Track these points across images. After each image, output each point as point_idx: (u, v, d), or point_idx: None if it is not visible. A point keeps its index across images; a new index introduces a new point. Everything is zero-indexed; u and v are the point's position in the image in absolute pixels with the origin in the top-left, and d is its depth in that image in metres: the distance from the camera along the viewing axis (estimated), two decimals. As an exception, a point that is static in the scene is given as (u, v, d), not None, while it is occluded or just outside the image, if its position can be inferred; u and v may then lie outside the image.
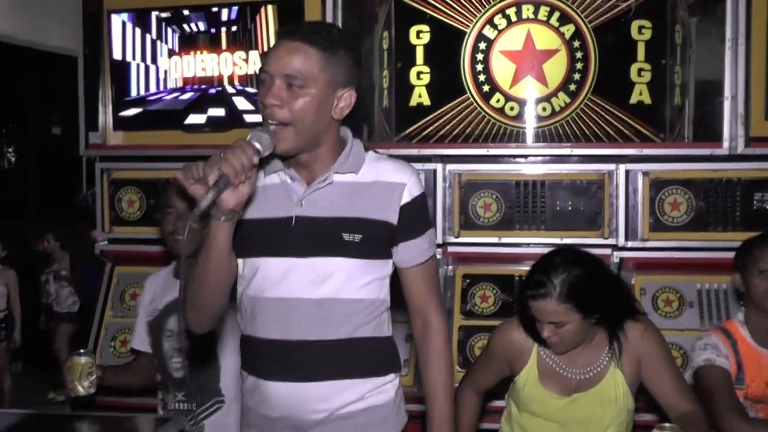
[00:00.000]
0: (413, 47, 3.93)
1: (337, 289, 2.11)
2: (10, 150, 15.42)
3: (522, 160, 3.87)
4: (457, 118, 3.88)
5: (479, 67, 3.84)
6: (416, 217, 2.18)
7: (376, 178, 2.14)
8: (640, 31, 3.72)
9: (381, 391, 2.21)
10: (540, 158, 3.85)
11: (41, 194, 12.67)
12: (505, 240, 3.83)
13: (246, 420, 2.28)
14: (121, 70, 4.17)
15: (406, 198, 2.14)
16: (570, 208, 3.77)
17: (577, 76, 3.76)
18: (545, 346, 2.60)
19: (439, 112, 3.91)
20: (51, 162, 12.20)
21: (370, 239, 2.12)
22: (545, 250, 2.72)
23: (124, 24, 4.13)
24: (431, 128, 3.92)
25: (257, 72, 2.01)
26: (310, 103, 2.01)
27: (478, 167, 3.86)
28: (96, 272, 4.54)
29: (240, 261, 2.19)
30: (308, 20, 2.02)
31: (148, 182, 4.13)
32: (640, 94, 3.74)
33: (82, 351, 2.75)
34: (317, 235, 2.10)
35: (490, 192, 3.82)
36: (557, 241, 3.70)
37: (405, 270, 2.22)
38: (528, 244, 3.82)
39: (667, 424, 2.20)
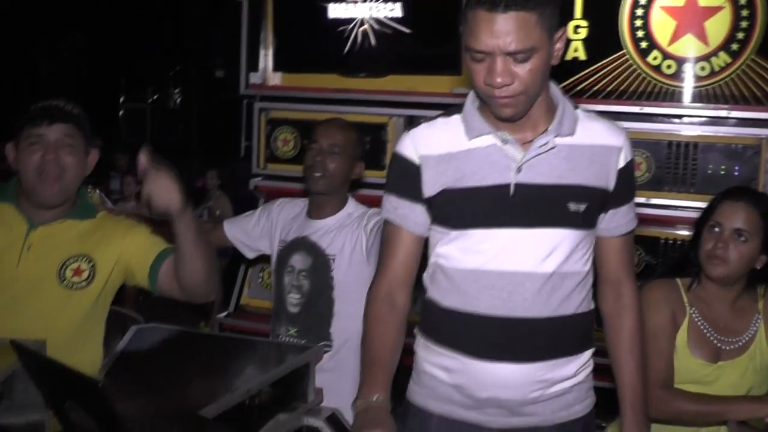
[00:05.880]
0: (572, 0, 3.88)
1: (562, 262, 1.98)
2: (176, 91, 16.16)
3: (676, 120, 3.76)
4: (612, 74, 3.81)
5: (638, 22, 3.75)
6: (629, 182, 2.08)
7: (594, 141, 2.00)
8: (814, -10, 3.54)
9: (588, 365, 2.12)
10: (695, 119, 3.73)
11: (203, 134, 13.26)
12: (653, 201, 3.74)
13: (433, 392, 2.11)
14: (283, 13, 4.30)
15: (622, 162, 2.02)
16: (723, 172, 3.64)
17: (740, 35, 3.61)
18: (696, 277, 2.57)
19: (594, 67, 3.85)
20: (213, 104, 12.74)
21: (593, 208, 2.00)
22: (693, 215, 2.68)
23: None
24: (585, 83, 3.87)
25: (467, 48, 1.86)
26: (538, 67, 1.86)
27: (631, 125, 3.69)
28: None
29: (437, 230, 2.06)
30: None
31: (303, 123, 4.23)
32: (809, 56, 3.56)
33: None
34: (541, 205, 1.96)
35: (641, 151, 3.72)
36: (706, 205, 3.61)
37: (607, 239, 2.09)
38: (676, 207, 3.71)
39: None
